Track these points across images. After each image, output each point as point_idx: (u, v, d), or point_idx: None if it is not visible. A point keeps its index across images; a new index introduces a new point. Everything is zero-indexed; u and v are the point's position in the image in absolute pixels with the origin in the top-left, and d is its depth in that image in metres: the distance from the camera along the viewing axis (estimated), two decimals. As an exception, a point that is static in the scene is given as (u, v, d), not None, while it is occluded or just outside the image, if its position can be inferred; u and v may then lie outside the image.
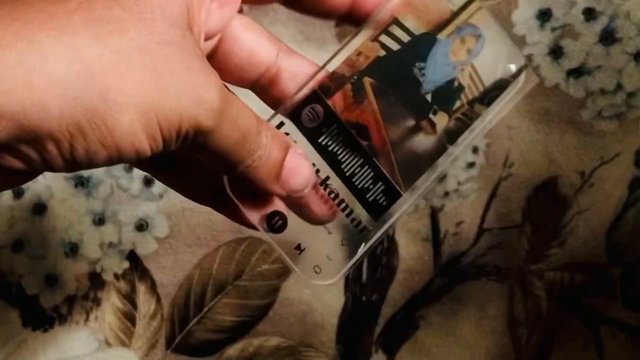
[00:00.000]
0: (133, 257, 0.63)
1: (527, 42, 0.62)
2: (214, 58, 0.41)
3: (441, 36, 0.40)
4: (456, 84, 0.40)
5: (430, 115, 0.40)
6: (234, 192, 0.40)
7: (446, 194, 0.64)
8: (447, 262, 0.66)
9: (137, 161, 0.34)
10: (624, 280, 0.65)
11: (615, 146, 0.63)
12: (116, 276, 0.63)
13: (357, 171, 0.41)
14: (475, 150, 0.64)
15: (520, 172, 0.64)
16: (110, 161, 0.34)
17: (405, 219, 0.64)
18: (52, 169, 0.33)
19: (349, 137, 0.40)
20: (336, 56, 0.41)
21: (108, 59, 0.32)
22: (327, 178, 0.41)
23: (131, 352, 0.63)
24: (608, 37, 0.61)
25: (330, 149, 0.41)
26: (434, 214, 0.65)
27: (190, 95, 0.34)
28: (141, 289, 0.64)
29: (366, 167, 0.40)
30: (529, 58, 0.62)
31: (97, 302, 0.63)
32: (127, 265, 0.63)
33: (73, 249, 0.62)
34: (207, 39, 0.38)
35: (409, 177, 0.41)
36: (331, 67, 0.41)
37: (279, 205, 0.41)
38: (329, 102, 0.41)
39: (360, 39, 0.41)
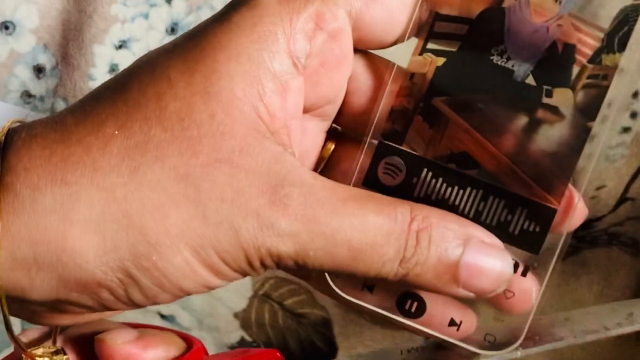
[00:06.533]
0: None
1: None
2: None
3: (507, 1, 0.32)
4: (560, 46, 0.32)
5: (545, 100, 0.32)
6: (342, 289, 0.33)
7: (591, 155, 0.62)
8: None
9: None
10: None
11: None
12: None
13: (481, 209, 0.32)
14: (633, 115, 0.59)
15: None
16: (179, 297, 0.30)
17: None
18: (116, 309, 0.31)
19: (451, 175, 0.33)
20: (384, 94, 0.33)
21: (145, 196, 0.29)
22: None
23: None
24: None
25: (433, 198, 0.33)
26: (574, 174, 0.62)
27: (250, 224, 0.29)
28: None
29: (491, 198, 0.32)
30: None
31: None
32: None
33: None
34: (311, 110, 0.33)
35: (554, 186, 0.33)
36: (385, 107, 0.33)
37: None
38: (404, 147, 0.33)
39: (404, 59, 0.33)
